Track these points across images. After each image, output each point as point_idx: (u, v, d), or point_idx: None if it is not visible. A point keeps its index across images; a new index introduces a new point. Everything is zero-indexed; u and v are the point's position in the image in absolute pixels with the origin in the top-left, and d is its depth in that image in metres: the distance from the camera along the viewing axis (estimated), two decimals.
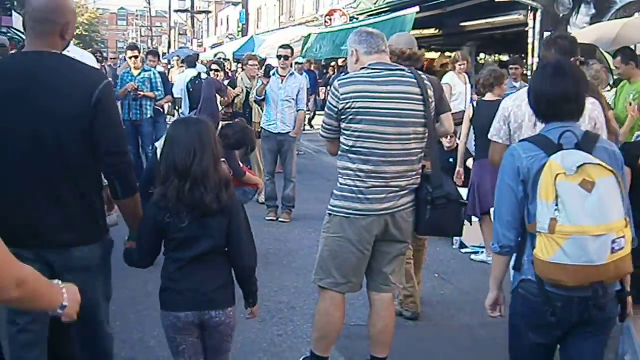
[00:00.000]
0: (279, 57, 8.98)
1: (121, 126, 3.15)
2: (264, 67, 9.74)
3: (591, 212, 2.67)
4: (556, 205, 2.69)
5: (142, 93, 10.02)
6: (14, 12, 30.64)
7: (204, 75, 10.77)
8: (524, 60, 12.05)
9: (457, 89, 9.87)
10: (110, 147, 2.97)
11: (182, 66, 15.88)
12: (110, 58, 14.04)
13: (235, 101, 9.33)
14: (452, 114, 5.15)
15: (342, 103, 3.80)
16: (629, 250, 2.76)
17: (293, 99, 8.71)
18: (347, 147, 3.86)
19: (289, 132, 8.68)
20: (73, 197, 2.96)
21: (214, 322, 3.13)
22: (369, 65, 3.91)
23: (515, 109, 3.93)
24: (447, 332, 5.23)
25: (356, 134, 3.80)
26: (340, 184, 3.93)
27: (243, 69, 10.20)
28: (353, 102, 3.77)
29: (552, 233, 2.69)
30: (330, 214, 3.98)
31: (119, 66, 11.18)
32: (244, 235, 3.14)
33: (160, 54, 19.86)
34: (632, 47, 7.70)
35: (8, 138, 2.79)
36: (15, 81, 2.70)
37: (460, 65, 10.00)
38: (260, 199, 9.39)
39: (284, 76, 8.77)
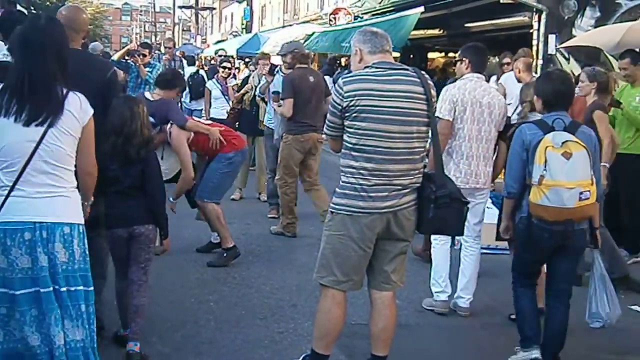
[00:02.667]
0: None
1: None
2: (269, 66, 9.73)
3: (567, 173, 4.07)
4: (545, 167, 4.09)
5: (140, 56, 10.40)
6: (18, 5, 30.62)
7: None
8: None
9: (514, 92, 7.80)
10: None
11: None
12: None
13: (244, 98, 9.35)
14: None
15: (346, 101, 3.80)
16: (594, 200, 4.16)
17: None
18: (350, 145, 3.86)
19: None
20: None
21: (137, 233, 4.42)
22: (373, 64, 3.91)
23: (461, 96, 5.25)
24: (448, 334, 5.23)
25: (360, 132, 3.80)
26: (343, 182, 3.93)
27: (256, 68, 10.22)
28: (357, 100, 3.77)
29: (540, 185, 4.11)
30: (332, 212, 3.98)
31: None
32: (154, 178, 4.47)
33: (163, 50, 20.04)
34: (637, 50, 7.65)
35: None
36: None
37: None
38: (263, 197, 9.41)
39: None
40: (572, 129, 4.24)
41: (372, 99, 3.78)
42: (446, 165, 5.00)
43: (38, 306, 3.24)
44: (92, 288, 3.43)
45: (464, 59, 5.48)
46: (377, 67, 3.88)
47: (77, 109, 3.31)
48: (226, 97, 10.83)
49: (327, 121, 4.01)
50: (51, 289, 3.26)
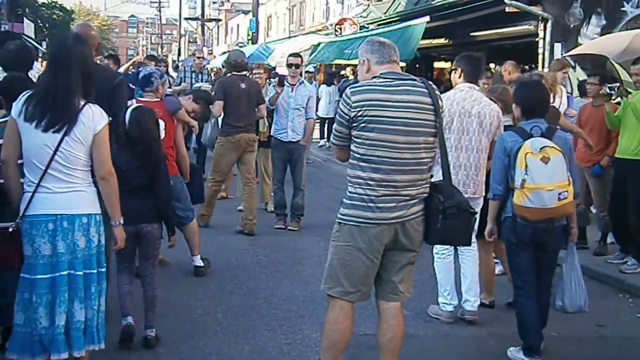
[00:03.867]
0: (289, 65, 8.98)
1: (125, 101, 5.18)
2: (278, 77, 9.71)
3: (546, 176, 4.48)
4: (526, 171, 4.49)
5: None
6: (25, 19, 30.77)
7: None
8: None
9: None
10: (117, 111, 4.78)
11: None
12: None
13: None
14: None
15: (354, 111, 3.79)
16: (572, 198, 4.58)
17: (303, 107, 8.72)
18: (358, 156, 3.85)
19: (299, 140, 8.68)
20: None
21: (144, 232, 4.77)
22: (381, 74, 3.91)
23: (449, 106, 5.25)
24: (456, 343, 5.21)
25: (368, 142, 3.79)
26: (350, 192, 3.91)
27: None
28: (365, 110, 3.77)
29: (522, 188, 4.51)
30: (340, 223, 3.96)
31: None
32: (163, 180, 4.85)
33: (170, 61, 20.25)
34: None
35: None
36: None
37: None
38: (270, 207, 9.40)
39: (294, 85, 8.78)
40: (549, 134, 4.65)
41: (380, 109, 3.77)
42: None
43: (52, 291, 3.68)
44: (104, 269, 3.91)
45: (457, 68, 5.54)
46: (384, 78, 3.87)
47: (89, 119, 3.73)
48: None
49: (334, 130, 4.01)
50: (66, 273, 3.71)
